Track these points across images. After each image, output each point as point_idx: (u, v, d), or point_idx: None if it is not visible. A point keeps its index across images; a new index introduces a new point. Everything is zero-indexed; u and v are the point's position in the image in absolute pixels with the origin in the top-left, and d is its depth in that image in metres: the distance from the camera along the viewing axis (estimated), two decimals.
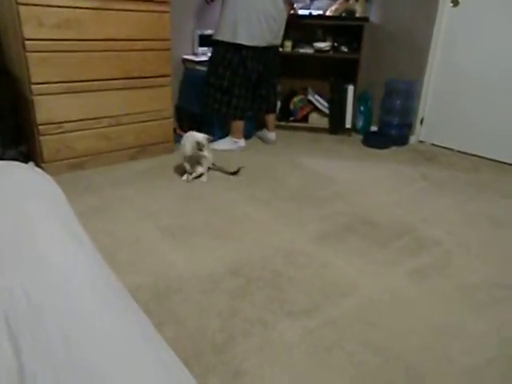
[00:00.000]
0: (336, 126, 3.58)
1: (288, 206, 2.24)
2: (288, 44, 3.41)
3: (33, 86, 2.26)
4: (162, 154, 2.89)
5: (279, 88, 3.39)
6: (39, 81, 2.27)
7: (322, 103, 3.60)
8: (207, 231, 1.94)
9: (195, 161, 2.47)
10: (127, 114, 2.66)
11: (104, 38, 2.42)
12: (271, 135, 3.27)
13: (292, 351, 1.27)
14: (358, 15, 3.37)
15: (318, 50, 3.41)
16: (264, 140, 3.32)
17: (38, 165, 2.40)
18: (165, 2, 2.58)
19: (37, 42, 2.20)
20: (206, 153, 2.43)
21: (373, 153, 3.20)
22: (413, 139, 3.47)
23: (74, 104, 2.43)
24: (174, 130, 3.05)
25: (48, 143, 2.40)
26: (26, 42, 2.18)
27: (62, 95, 2.37)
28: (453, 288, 1.61)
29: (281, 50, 3.20)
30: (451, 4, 3.10)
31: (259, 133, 3.37)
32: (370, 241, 1.92)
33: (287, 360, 1.23)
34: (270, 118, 3.25)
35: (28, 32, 2.16)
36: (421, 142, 3.50)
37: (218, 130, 3.10)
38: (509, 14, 2.85)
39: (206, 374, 1.17)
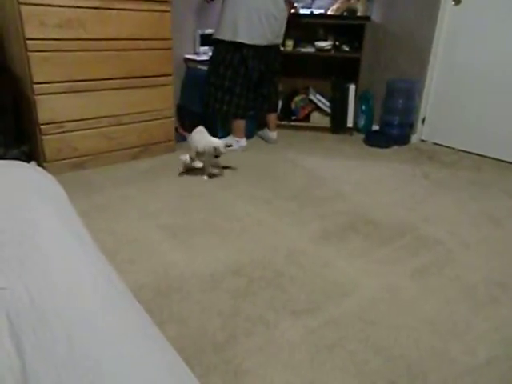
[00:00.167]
0: (337, 125, 3.58)
1: (289, 205, 2.24)
2: (289, 43, 3.41)
3: (34, 86, 2.27)
4: (163, 153, 2.89)
5: (280, 87, 3.39)
6: (41, 80, 2.27)
7: (323, 102, 3.60)
8: (209, 230, 1.95)
9: (207, 162, 2.49)
10: (129, 114, 2.66)
11: (105, 38, 2.42)
12: (273, 134, 3.27)
13: (293, 351, 1.27)
14: (359, 14, 3.37)
15: (320, 49, 3.41)
16: (265, 139, 3.32)
17: (40, 164, 2.40)
18: (166, 2, 2.58)
19: (38, 41, 2.21)
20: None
21: (374, 152, 3.19)
22: (414, 138, 3.47)
23: (76, 103, 2.43)
24: (176, 130, 3.05)
25: (50, 143, 2.41)
26: (28, 42, 2.18)
27: (63, 95, 2.37)
28: (454, 287, 1.61)
29: (282, 49, 3.19)
30: (453, 2, 3.09)
31: (260, 132, 3.37)
32: (372, 240, 1.92)
33: (289, 359, 1.23)
34: (272, 118, 3.24)
35: (29, 31, 2.16)
36: (422, 141, 3.49)
37: (219, 130, 3.10)
38: (511, 12, 2.84)
39: (208, 373, 1.17)
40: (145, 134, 2.77)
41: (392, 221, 2.11)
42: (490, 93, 3.04)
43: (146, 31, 2.55)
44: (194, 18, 3.29)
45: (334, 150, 3.21)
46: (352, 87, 3.46)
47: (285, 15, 2.87)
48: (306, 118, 3.68)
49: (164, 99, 2.79)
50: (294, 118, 3.67)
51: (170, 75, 2.76)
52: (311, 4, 3.53)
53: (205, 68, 3.05)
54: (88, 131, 2.53)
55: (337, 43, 3.44)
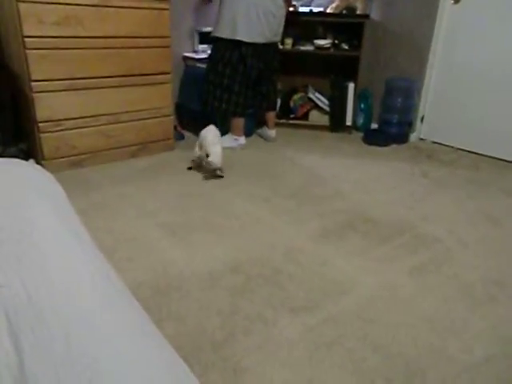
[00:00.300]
0: (336, 123, 3.57)
1: (288, 203, 2.24)
2: (288, 41, 3.40)
3: (33, 84, 2.26)
4: (162, 151, 2.89)
5: (279, 85, 3.38)
6: (39, 78, 2.27)
7: (322, 101, 3.60)
8: (207, 228, 1.95)
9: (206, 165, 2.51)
10: (127, 112, 2.65)
11: (104, 36, 2.41)
12: (271, 133, 3.26)
13: (292, 348, 1.27)
14: (358, 12, 3.37)
15: (319, 48, 3.41)
16: (264, 138, 3.32)
17: (38, 162, 2.40)
18: (164, 0, 2.57)
19: (36, 39, 2.20)
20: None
21: (373, 150, 3.19)
22: (413, 137, 3.47)
23: (74, 101, 2.43)
24: (175, 128, 3.05)
25: (48, 141, 2.40)
26: (26, 40, 2.17)
27: (61, 92, 2.37)
28: (452, 285, 1.61)
29: (281, 47, 3.19)
30: (452, 1, 3.09)
31: (259, 130, 3.37)
32: (370, 238, 1.93)
33: (287, 357, 1.24)
34: (270, 116, 3.24)
35: (28, 29, 2.16)
36: (421, 139, 3.50)
37: (218, 128, 3.09)
38: (510, 10, 2.85)
39: (206, 371, 1.17)
40: (143, 132, 2.77)
41: (391, 219, 2.11)
42: (489, 91, 3.04)
43: (144, 29, 2.54)
44: (193, 16, 3.29)
45: (332, 148, 3.21)
46: (351, 85, 3.45)
47: (283, 13, 2.86)
48: (305, 116, 3.67)
49: (163, 97, 2.79)
50: (292, 116, 3.66)
51: (168, 73, 2.76)
52: (310, 2, 3.52)
53: (203, 66, 3.04)
54: (86, 129, 2.53)
55: (336, 41, 3.44)
